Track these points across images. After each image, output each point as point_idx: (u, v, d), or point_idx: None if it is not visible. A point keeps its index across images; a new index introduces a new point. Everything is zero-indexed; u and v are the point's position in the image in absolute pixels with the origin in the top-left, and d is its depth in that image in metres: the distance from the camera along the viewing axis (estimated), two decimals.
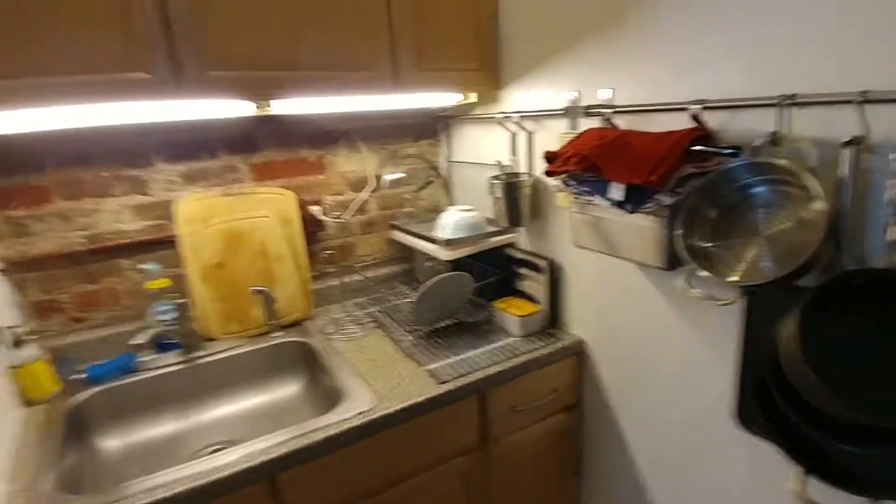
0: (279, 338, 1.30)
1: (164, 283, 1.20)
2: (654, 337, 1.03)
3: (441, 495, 1.11)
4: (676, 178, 0.79)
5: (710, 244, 0.80)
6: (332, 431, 0.91)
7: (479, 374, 1.08)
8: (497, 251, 1.34)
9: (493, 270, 1.32)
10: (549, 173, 0.96)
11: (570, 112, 1.08)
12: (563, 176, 0.95)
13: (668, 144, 0.79)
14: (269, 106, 1.12)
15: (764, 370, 0.72)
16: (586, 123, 1.04)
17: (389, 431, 0.98)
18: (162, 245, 1.25)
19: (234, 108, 1.12)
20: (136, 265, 1.23)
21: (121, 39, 0.87)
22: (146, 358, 1.18)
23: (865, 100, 0.63)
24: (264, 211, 1.33)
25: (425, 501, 1.09)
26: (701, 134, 0.81)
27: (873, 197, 0.66)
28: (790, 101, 0.71)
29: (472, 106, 1.41)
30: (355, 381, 1.07)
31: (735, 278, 0.75)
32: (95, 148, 1.15)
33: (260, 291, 1.27)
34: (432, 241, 1.30)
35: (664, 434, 1.07)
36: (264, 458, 0.86)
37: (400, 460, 1.03)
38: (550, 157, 0.95)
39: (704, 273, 0.77)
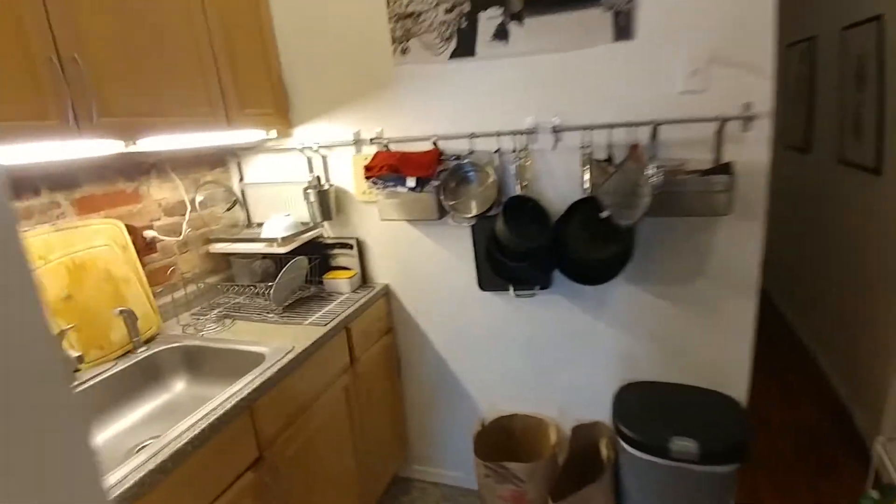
0: (148, 350, 1.41)
1: None
2: (429, 264, 1.84)
3: (336, 404, 1.59)
4: (437, 172, 1.62)
5: (454, 201, 1.66)
6: (275, 369, 1.30)
7: (341, 316, 1.62)
8: (315, 241, 1.85)
9: (316, 254, 1.84)
10: (368, 177, 1.62)
11: (358, 142, 1.75)
12: (375, 178, 1.63)
13: (431, 156, 1.61)
14: (135, 143, 1.29)
15: (488, 248, 1.64)
16: (367, 149, 1.75)
17: (306, 363, 1.42)
18: None
19: (107, 147, 1.24)
20: None
21: (36, 95, 1.01)
22: None
23: (498, 133, 1.62)
24: (101, 240, 1.40)
25: (329, 411, 1.55)
26: (439, 150, 1.66)
27: (508, 172, 1.66)
28: (473, 135, 1.64)
29: (270, 141, 1.86)
30: (259, 346, 1.42)
31: (468, 215, 1.64)
32: None
33: (123, 311, 1.36)
34: (268, 241, 1.70)
35: (445, 314, 1.89)
36: (242, 394, 1.18)
37: (313, 382, 1.46)
38: (368, 167, 1.62)
39: (457, 214, 1.63)
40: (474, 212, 1.63)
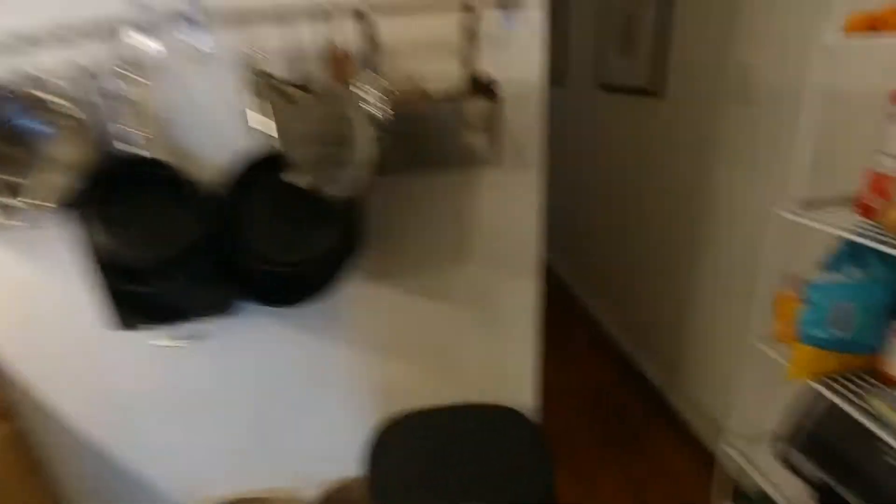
0: None
1: None
2: (30, 298, 0.99)
3: None
4: None
5: (22, 179, 0.82)
6: None
7: None
8: None
9: None
10: None
11: None
12: None
13: None
14: None
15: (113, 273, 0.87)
16: None
17: None
18: None
19: None
20: None
21: None
22: None
23: (82, 35, 0.80)
24: None
25: None
26: None
27: (109, 114, 0.87)
28: (26, 41, 0.79)
29: None
30: None
31: (41, 203, 0.83)
32: None
33: None
34: None
35: (86, 375, 1.07)
36: None
37: None
38: None
39: (20, 204, 0.81)
40: (51, 196, 0.82)
